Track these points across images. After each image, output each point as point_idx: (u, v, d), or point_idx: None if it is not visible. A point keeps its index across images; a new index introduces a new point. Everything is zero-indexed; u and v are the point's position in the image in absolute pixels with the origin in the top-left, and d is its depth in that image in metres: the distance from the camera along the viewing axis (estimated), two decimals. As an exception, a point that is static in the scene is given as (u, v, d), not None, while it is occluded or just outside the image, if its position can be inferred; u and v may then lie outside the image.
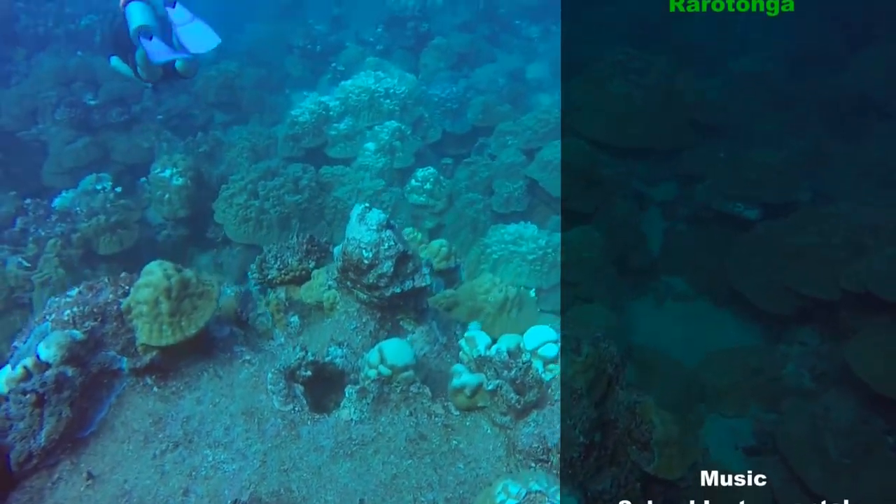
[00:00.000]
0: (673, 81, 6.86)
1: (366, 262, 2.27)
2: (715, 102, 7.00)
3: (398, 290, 2.32)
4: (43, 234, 4.78)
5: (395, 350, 2.09)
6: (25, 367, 2.03)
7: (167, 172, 5.22)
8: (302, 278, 2.80)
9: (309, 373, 2.19)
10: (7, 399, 2.02)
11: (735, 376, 4.70)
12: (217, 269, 5.32)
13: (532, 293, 4.62)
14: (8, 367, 2.13)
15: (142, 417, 2.15)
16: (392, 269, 2.28)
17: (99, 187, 5.98)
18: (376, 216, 2.32)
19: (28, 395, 2.00)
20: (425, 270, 2.39)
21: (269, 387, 2.14)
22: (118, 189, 6.04)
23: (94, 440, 2.12)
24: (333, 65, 7.80)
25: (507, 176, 5.61)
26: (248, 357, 2.40)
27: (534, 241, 4.74)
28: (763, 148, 6.33)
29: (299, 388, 2.15)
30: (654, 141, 6.44)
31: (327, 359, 2.29)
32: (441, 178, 5.88)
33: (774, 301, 4.79)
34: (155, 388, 2.26)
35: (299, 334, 2.57)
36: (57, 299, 2.23)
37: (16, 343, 2.23)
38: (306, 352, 2.23)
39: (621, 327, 4.83)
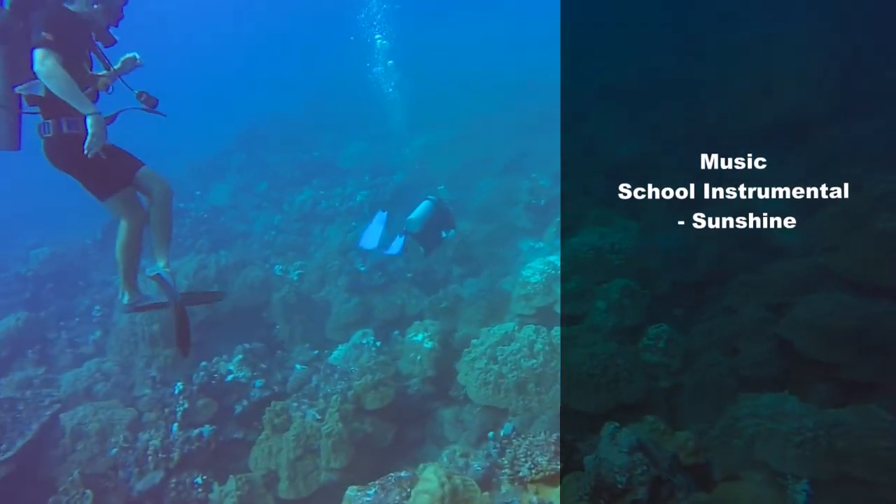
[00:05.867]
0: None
1: (619, 486, 2.33)
2: None
3: (656, 520, 2.31)
4: (329, 390, 5.89)
5: None
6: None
7: (419, 337, 6.10)
8: (550, 479, 2.95)
9: None
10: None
11: None
12: (458, 426, 5.80)
13: (803, 486, 3.95)
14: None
15: None
16: (647, 496, 2.29)
17: (364, 341, 7.21)
18: (627, 438, 2.41)
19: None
20: (680, 496, 2.34)
21: None
22: (378, 343, 7.20)
23: None
24: (558, 219, 8.39)
25: (751, 335, 5.14)
26: (507, 565, 2.59)
27: (797, 420, 4.14)
28: None
29: None
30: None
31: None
32: (675, 335, 5.65)
33: None
34: (429, 589, 2.56)
35: (553, 544, 2.67)
36: (360, 496, 2.76)
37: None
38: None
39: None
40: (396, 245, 6.97)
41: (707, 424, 4.95)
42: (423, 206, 7.21)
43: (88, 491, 5.16)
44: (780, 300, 5.37)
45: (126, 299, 3.87)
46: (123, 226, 3.78)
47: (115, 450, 5.88)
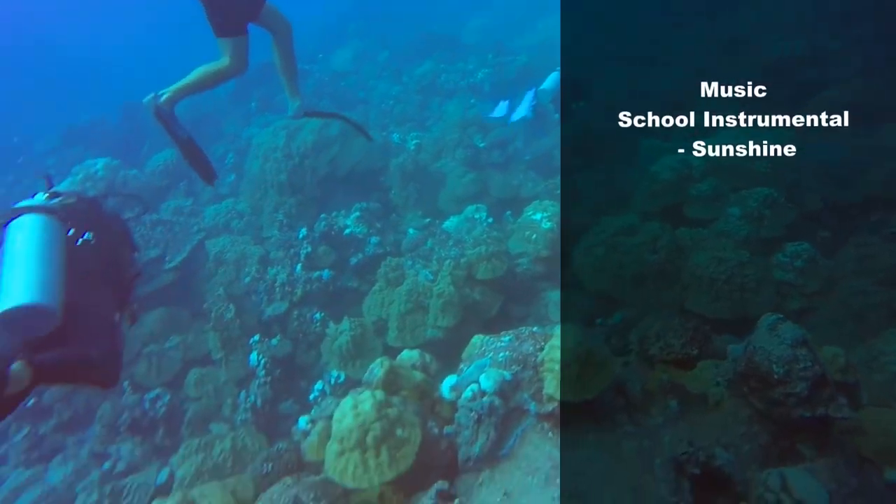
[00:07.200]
0: None
1: (775, 376, 2.23)
2: None
3: (807, 415, 2.21)
4: (443, 254, 6.09)
5: (807, 486, 2.00)
6: (473, 392, 2.70)
7: (538, 216, 6.02)
8: (681, 362, 2.91)
9: (697, 470, 2.28)
10: (458, 409, 2.73)
11: None
12: (567, 309, 5.85)
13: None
14: (453, 381, 2.88)
15: (543, 458, 2.60)
16: (806, 392, 2.18)
17: (477, 216, 7.28)
18: (792, 331, 2.26)
19: (473, 413, 2.66)
20: (843, 401, 2.21)
21: (658, 472, 2.32)
22: (490, 220, 7.25)
23: (505, 462, 2.67)
24: (692, 109, 7.62)
25: (920, 268, 4.57)
26: (629, 429, 2.65)
27: (960, 364, 3.74)
28: None
29: (687, 484, 2.27)
30: None
31: (715, 462, 2.33)
32: (817, 256, 5.16)
33: None
34: (550, 434, 2.69)
35: (677, 419, 2.68)
36: (494, 342, 2.88)
37: (462, 365, 2.98)
38: (694, 448, 2.33)
39: None
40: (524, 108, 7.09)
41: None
42: (553, 76, 7.01)
43: (232, 305, 5.91)
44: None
45: (163, 100, 3.97)
46: (222, 62, 3.78)
47: (248, 278, 6.60)
